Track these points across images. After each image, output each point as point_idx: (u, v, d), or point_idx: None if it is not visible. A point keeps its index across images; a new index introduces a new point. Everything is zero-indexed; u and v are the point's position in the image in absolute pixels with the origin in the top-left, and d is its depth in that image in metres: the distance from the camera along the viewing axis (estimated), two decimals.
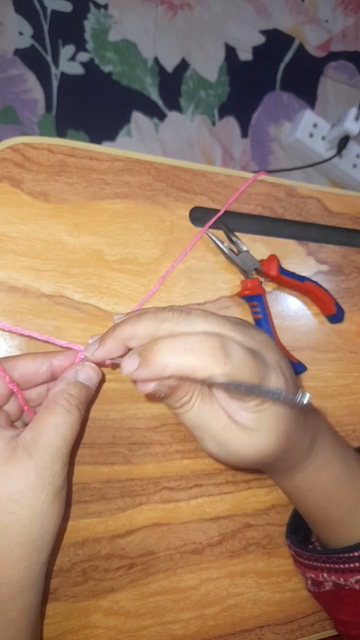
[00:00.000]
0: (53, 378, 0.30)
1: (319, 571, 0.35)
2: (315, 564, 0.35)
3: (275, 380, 0.27)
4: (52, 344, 0.31)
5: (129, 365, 0.25)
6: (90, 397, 0.30)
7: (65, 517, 0.34)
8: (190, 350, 0.24)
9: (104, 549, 0.35)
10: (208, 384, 0.27)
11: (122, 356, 0.28)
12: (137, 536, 0.36)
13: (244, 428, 0.27)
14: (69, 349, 0.31)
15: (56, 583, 0.33)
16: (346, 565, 0.33)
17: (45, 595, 0.33)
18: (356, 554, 0.33)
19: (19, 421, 0.31)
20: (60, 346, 0.31)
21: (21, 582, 0.26)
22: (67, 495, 0.33)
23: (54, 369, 0.30)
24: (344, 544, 0.33)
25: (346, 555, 0.33)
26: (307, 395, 0.24)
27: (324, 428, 0.34)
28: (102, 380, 0.35)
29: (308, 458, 0.32)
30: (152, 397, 0.29)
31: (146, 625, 0.35)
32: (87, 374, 0.30)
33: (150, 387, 0.26)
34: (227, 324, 0.26)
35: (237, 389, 0.25)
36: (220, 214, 0.39)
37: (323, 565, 0.35)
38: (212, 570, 0.37)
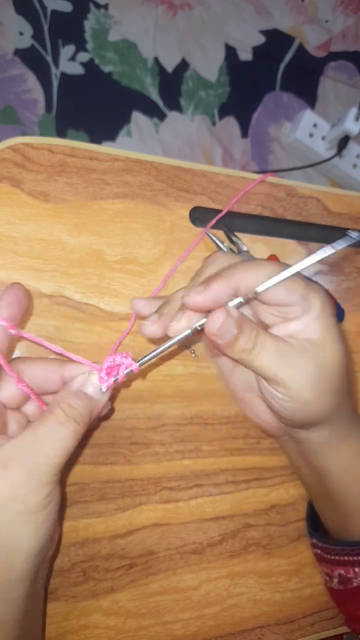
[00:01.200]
0: None
1: (349, 566, 0.34)
2: (346, 558, 0.34)
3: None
4: (67, 357, 0.28)
5: (194, 295, 0.26)
6: (96, 412, 0.27)
7: (65, 518, 0.34)
8: (245, 264, 0.27)
9: (104, 549, 0.35)
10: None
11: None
12: (137, 536, 0.36)
13: (319, 341, 0.27)
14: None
15: (56, 583, 0.33)
16: None
17: (44, 595, 0.33)
18: None
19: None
20: (75, 361, 0.29)
21: None
22: (61, 513, 0.31)
23: (65, 380, 0.28)
24: None
25: None
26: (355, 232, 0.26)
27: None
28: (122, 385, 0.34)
29: (353, 421, 0.32)
30: (222, 342, 0.27)
31: (146, 625, 0.35)
32: (94, 385, 0.27)
33: (219, 318, 0.26)
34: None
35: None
36: (223, 213, 0.39)
37: (356, 559, 0.33)
38: (212, 570, 0.37)
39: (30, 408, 0.30)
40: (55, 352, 0.28)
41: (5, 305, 0.27)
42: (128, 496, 0.36)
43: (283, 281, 0.26)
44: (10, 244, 0.34)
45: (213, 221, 0.39)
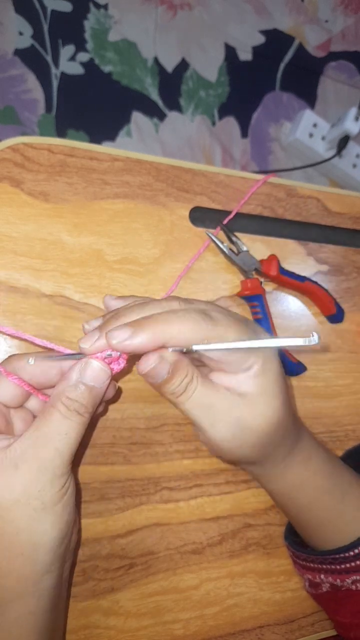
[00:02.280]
0: None
1: (316, 572, 0.35)
2: (312, 565, 0.35)
3: (264, 335, 0.29)
4: (55, 350, 0.28)
5: (122, 334, 0.24)
6: (99, 398, 0.27)
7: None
8: (182, 317, 0.25)
9: (104, 549, 0.35)
10: (202, 360, 0.28)
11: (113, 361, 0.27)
12: (137, 536, 0.36)
13: (250, 398, 0.28)
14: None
15: None
16: (342, 566, 0.33)
17: (69, 586, 0.33)
18: (351, 553, 0.32)
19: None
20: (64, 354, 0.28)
21: (16, 590, 0.26)
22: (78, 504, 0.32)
23: (64, 371, 0.28)
24: (336, 545, 0.33)
25: (341, 555, 0.33)
26: (316, 335, 0.25)
27: (300, 420, 0.35)
28: (123, 374, 0.33)
29: (299, 442, 0.33)
30: (153, 382, 0.27)
31: (146, 625, 0.35)
32: (93, 373, 0.26)
33: (150, 363, 0.26)
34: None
35: (238, 346, 0.26)
36: (232, 215, 0.40)
37: (320, 566, 0.34)
38: (212, 570, 0.37)
39: (33, 403, 0.30)
40: (40, 346, 0.27)
41: None
42: (128, 496, 0.36)
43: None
44: (10, 244, 0.34)
45: (225, 220, 0.39)
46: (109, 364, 0.27)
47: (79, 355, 0.27)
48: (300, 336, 0.25)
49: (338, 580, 0.34)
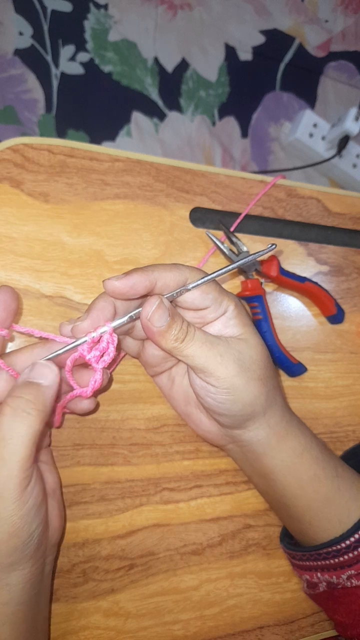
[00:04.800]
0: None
1: (312, 571, 0.35)
2: (308, 563, 0.35)
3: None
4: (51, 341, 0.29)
5: (115, 279, 0.27)
6: (52, 396, 0.28)
7: (65, 518, 0.34)
8: (165, 264, 0.29)
9: (104, 550, 0.35)
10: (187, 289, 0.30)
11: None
12: (137, 537, 0.36)
13: (239, 335, 0.31)
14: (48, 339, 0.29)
15: (56, 584, 0.33)
16: (336, 560, 0.33)
17: (52, 581, 0.33)
18: (343, 545, 0.32)
19: None
20: (41, 337, 0.29)
21: None
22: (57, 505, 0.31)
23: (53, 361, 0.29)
24: (327, 538, 0.33)
25: (334, 548, 0.32)
26: (274, 245, 0.30)
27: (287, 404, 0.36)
28: (114, 363, 0.34)
29: (288, 418, 0.33)
30: (158, 328, 0.28)
31: (146, 626, 0.35)
32: (39, 372, 0.27)
33: (153, 303, 0.28)
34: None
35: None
36: (242, 216, 0.40)
37: (315, 563, 0.34)
38: (212, 571, 0.37)
39: None
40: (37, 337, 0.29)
41: None
42: (128, 497, 0.36)
43: (198, 287, 0.29)
44: (10, 245, 0.34)
45: (235, 224, 0.39)
46: (101, 355, 0.28)
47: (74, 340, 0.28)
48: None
49: (334, 577, 0.33)
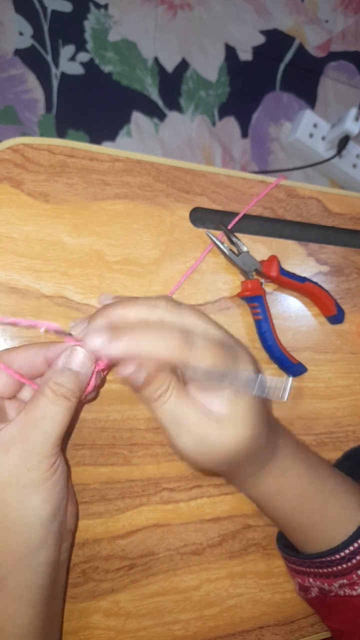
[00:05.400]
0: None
1: (305, 576, 0.35)
2: (300, 568, 0.35)
3: (244, 361, 0.29)
4: (34, 326, 0.29)
5: (100, 340, 0.26)
6: (85, 384, 0.28)
7: (78, 506, 0.34)
8: (161, 335, 0.27)
9: (104, 550, 0.35)
10: (182, 373, 0.29)
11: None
12: (137, 537, 0.36)
13: (219, 419, 0.28)
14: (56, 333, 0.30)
15: None
16: (328, 570, 0.33)
17: (67, 569, 0.33)
18: (336, 556, 0.32)
19: None
20: (27, 325, 0.30)
21: (10, 565, 0.27)
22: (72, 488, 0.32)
23: (49, 360, 0.29)
24: (321, 549, 0.33)
25: (327, 559, 0.33)
26: (289, 379, 0.27)
27: (282, 429, 0.35)
28: (108, 368, 0.34)
29: (273, 459, 0.32)
30: (130, 385, 0.28)
31: (146, 626, 0.35)
32: (78, 359, 0.28)
33: (128, 370, 0.27)
34: (211, 322, 0.29)
35: (211, 376, 0.27)
36: (241, 215, 0.40)
37: (308, 570, 0.34)
38: (212, 571, 0.37)
39: (26, 394, 0.31)
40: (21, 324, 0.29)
41: None
42: (128, 497, 0.36)
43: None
44: (10, 245, 0.34)
45: (233, 223, 0.39)
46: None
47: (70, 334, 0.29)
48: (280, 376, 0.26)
49: (326, 584, 0.33)
